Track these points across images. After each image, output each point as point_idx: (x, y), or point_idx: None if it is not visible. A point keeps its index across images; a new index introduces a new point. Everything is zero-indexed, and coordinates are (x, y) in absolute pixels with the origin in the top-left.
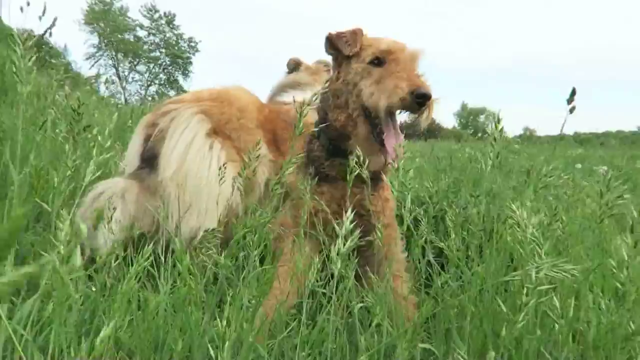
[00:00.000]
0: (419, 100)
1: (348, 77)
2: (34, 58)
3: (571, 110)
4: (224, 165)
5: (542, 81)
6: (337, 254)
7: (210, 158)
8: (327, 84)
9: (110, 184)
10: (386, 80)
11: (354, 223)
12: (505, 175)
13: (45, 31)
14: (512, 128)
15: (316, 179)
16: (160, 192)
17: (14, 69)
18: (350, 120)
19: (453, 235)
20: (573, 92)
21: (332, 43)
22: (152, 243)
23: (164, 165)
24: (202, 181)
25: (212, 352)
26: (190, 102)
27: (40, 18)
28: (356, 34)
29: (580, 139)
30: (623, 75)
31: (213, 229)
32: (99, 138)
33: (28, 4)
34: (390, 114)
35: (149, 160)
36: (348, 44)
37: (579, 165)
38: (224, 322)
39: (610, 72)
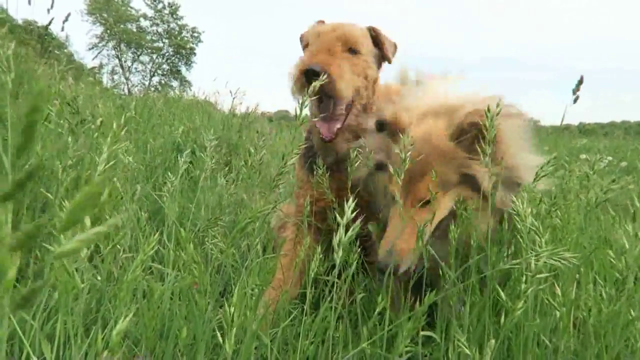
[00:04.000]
0: (308, 78)
1: None
2: (13, 45)
3: (575, 100)
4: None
5: (546, 71)
6: (338, 244)
7: None
8: None
9: None
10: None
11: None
12: None
13: (50, 22)
14: None
15: (313, 168)
16: None
17: None
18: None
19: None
20: (580, 82)
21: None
22: None
23: None
24: None
25: (219, 338)
26: None
27: (48, 11)
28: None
29: (585, 130)
30: (629, 65)
31: (216, 217)
32: (114, 126)
33: None
34: (320, 99)
35: None
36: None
37: (583, 156)
38: (231, 309)
39: (616, 62)
